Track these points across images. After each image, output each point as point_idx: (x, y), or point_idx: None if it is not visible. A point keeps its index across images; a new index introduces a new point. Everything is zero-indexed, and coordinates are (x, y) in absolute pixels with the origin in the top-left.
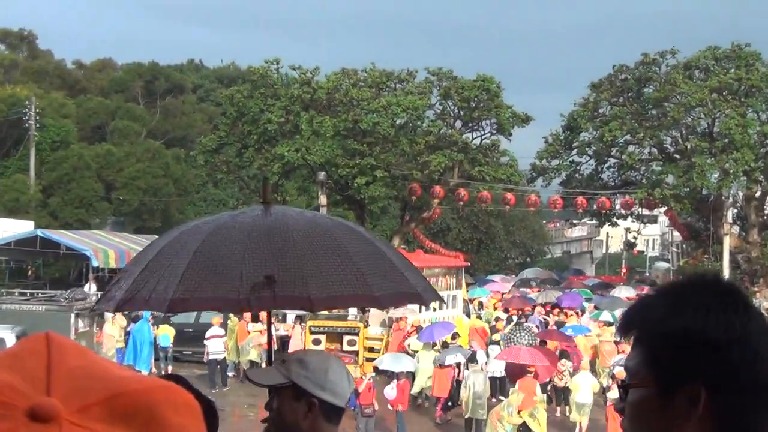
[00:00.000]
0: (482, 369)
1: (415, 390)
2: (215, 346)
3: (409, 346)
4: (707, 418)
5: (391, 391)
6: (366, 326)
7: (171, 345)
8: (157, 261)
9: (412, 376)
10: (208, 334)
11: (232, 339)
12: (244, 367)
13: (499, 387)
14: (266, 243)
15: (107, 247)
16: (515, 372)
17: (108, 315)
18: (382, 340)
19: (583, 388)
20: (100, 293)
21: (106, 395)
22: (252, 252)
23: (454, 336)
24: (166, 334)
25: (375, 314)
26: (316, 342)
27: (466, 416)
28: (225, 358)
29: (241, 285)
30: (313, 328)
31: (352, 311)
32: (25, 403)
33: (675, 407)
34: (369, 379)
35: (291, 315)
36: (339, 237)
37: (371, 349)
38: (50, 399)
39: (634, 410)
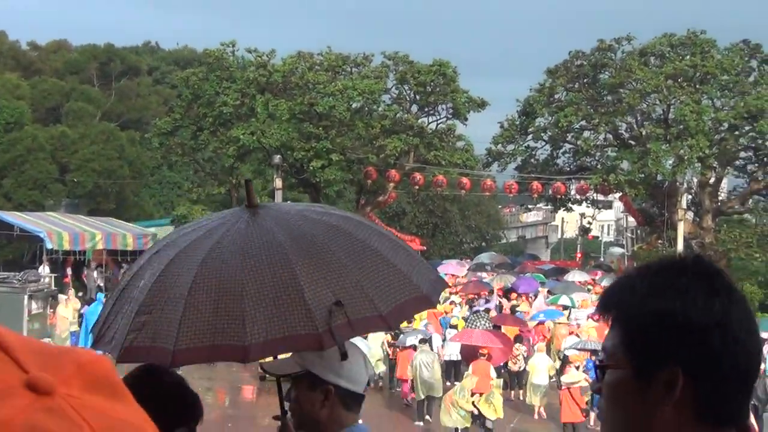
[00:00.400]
0: (432, 350)
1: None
2: None
3: None
4: (685, 403)
5: None
6: None
7: None
8: (126, 291)
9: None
10: None
11: None
12: None
13: (454, 371)
14: (302, 257)
15: (61, 229)
16: (469, 354)
17: (61, 297)
18: None
19: (540, 369)
20: (53, 275)
21: (74, 367)
22: (287, 273)
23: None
24: None
25: None
26: None
27: (418, 399)
28: None
29: (312, 316)
30: None
31: None
32: (18, 380)
33: (652, 390)
34: None
35: None
36: (362, 237)
37: None
38: (41, 373)
39: (611, 391)
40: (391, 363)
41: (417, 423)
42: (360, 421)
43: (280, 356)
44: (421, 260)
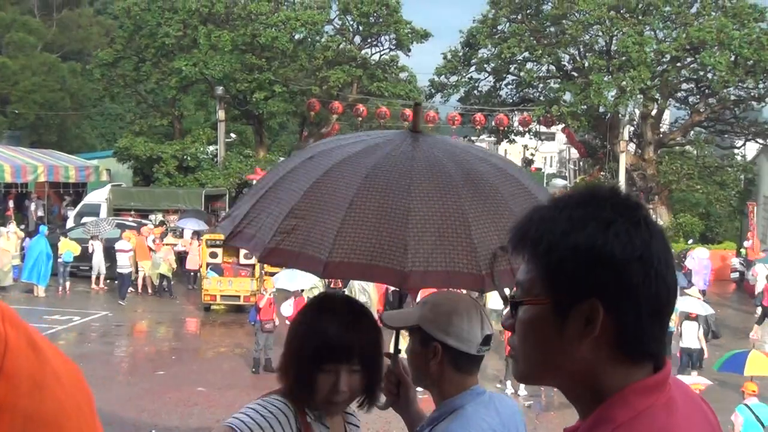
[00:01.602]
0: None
1: None
2: (122, 260)
3: None
4: (603, 338)
5: (287, 308)
6: None
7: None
8: (274, 192)
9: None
10: (116, 246)
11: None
12: (154, 281)
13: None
14: (471, 192)
15: (2, 161)
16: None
17: (2, 229)
18: None
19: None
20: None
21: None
22: (461, 209)
23: None
24: (69, 251)
25: None
26: (213, 255)
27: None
28: (131, 272)
29: (476, 255)
30: (209, 242)
31: None
32: None
33: (570, 325)
34: (270, 295)
35: (188, 231)
36: (527, 184)
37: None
38: None
39: (526, 328)
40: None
41: None
42: (476, 385)
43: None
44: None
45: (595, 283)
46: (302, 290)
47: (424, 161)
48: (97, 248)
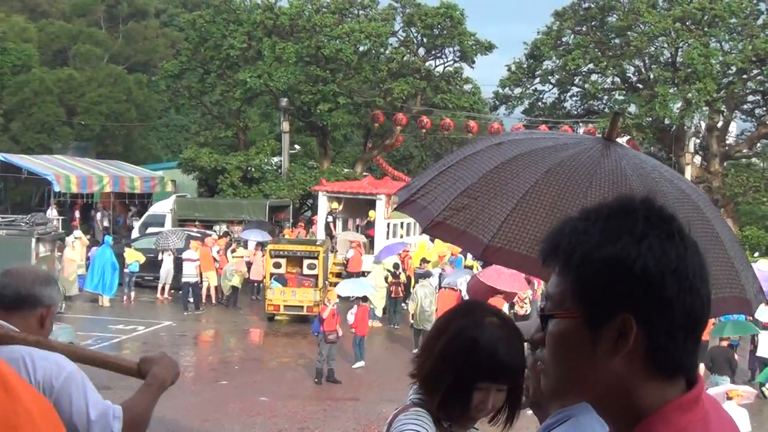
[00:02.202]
0: (430, 284)
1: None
2: (188, 269)
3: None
4: (635, 353)
5: (351, 316)
6: (334, 251)
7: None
8: (454, 169)
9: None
10: (183, 256)
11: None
12: (225, 292)
13: None
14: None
15: (69, 172)
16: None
17: (69, 239)
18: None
19: None
20: (61, 218)
21: None
22: None
23: (422, 261)
24: (135, 261)
25: (342, 240)
26: (277, 265)
27: (415, 327)
28: (198, 281)
29: None
30: (273, 252)
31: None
32: None
33: (602, 340)
34: (333, 305)
35: (252, 242)
36: (710, 216)
37: (339, 275)
38: None
39: (557, 341)
40: (396, 301)
41: (414, 351)
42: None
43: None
44: (752, 267)
45: (628, 297)
46: (365, 298)
47: (609, 170)
48: (166, 259)
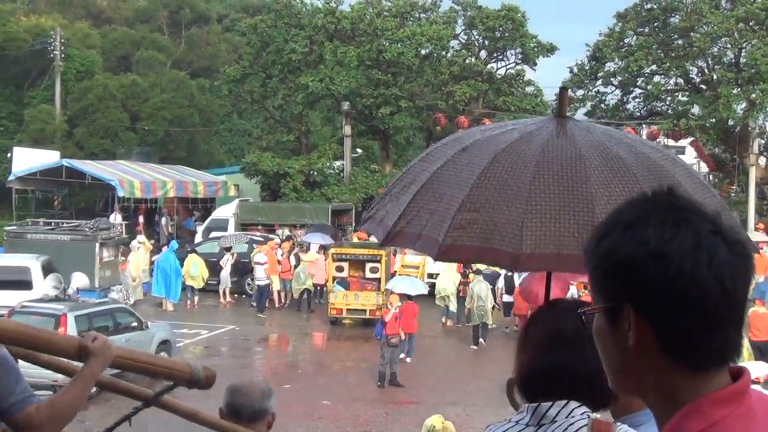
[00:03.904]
0: (484, 281)
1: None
2: (260, 273)
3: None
4: (646, 343)
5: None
6: (401, 254)
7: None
8: (432, 186)
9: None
10: (254, 259)
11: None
12: (295, 296)
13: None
14: (603, 178)
15: (132, 177)
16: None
17: (134, 243)
18: (418, 267)
19: None
20: (125, 223)
21: None
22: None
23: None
24: (195, 262)
25: None
26: (339, 269)
27: (473, 324)
28: (269, 284)
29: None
30: (335, 256)
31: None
32: None
33: (619, 331)
34: (395, 309)
35: (314, 245)
36: (672, 172)
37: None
38: None
39: (596, 336)
40: (461, 300)
41: (471, 347)
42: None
43: None
44: None
45: (620, 287)
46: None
47: (590, 146)
48: (227, 263)
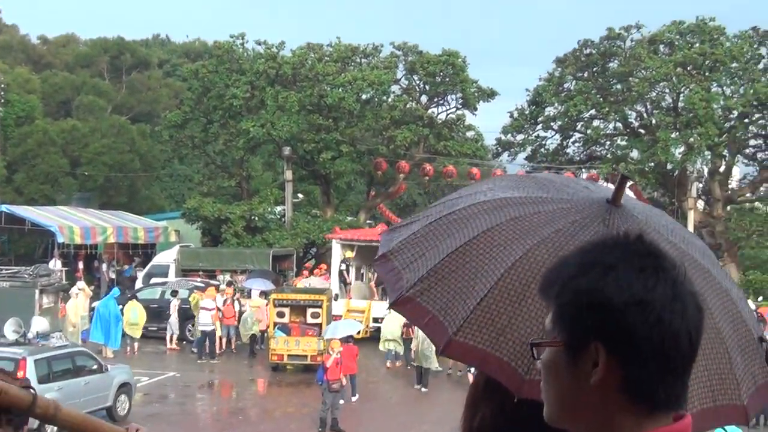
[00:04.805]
0: None
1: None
2: (205, 318)
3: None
4: (609, 383)
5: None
6: (347, 297)
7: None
8: (464, 256)
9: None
10: (201, 305)
11: (197, 313)
12: (244, 341)
13: None
14: None
15: (73, 223)
16: None
17: (73, 290)
18: (364, 312)
19: None
20: (65, 269)
21: None
22: None
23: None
24: (135, 309)
25: (356, 286)
26: (280, 315)
27: (416, 364)
28: (214, 330)
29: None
30: (277, 302)
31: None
32: None
33: (580, 368)
34: (337, 354)
35: (256, 291)
36: (732, 291)
37: None
38: None
39: (546, 369)
40: (406, 342)
41: (415, 387)
42: None
43: None
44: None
45: (595, 326)
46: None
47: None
48: (174, 309)
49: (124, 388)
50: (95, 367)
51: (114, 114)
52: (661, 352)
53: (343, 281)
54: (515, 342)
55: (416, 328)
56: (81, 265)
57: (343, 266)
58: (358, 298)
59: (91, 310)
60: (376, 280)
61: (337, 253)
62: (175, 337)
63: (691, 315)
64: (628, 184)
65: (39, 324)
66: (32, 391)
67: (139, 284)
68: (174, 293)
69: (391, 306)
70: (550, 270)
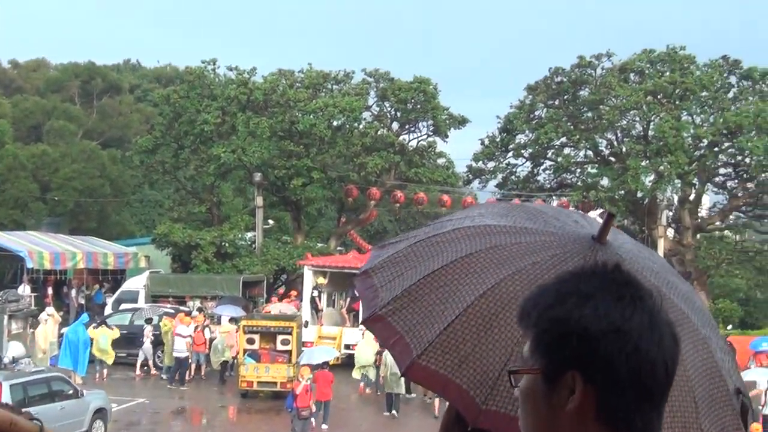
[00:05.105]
0: None
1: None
2: (179, 345)
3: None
4: (586, 411)
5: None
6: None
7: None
8: (439, 279)
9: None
10: (176, 331)
11: (167, 340)
12: (215, 368)
13: None
14: None
15: (42, 248)
16: None
17: (42, 316)
18: (335, 338)
19: None
20: (34, 295)
21: None
22: None
23: None
24: (104, 335)
25: (328, 313)
26: (250, 341)
27: (387, 391)
28: (188, 356)
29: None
30: (246, 328)
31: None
32: None
33: (556, 396)
34: (306, 381)
35: (225, 317)
36: (708, 336)
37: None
38: None
39: (523, 396)
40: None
41: (385, 413)
42: None
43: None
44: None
45: (572, 354)
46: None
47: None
48: (147, 335)
49: (100, 413)
50: (71, 392)
51: (85, 139)
52: (638, 381)
53: (315, 308)
54: (476, 370)
55: (385, 354)
56: (50, 290)
57: (315, 293)
58: (330, 324)
59: (60, 335)
60: (348, 306)
61: (309, 279)
62: (150, 363)
63: (668, 345)
64: (599, 211)
65: (15, 349)
66: (38, 423)
67: (108, 310)
68: (149, 320)
69: (363, 323)
70: (528, 298)
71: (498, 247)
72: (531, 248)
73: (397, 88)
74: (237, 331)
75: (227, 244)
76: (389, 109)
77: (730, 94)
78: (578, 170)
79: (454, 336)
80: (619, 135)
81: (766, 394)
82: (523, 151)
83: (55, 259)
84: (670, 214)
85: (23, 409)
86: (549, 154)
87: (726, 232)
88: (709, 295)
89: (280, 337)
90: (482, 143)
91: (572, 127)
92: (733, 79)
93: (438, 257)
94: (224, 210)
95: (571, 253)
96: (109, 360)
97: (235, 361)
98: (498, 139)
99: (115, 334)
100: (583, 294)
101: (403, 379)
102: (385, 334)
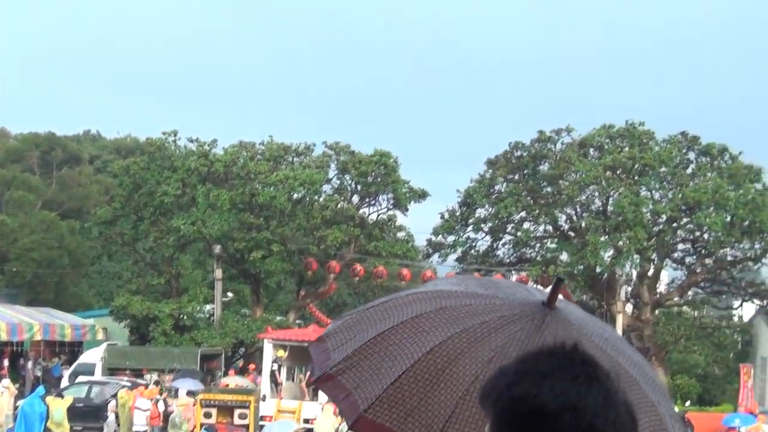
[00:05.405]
0: None
1: None
2: (139, 419)
3: None
4: None
5: None
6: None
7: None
8: (388, 339)
9: None
10: (136, 405)
11: (124, 413)
12: None
13: None
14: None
15: None
16: None
17: None
18: (294, 412)
19: None
20: None
21: None
22: None
23: None
24: (59, 408)
25: (287, 386)
26: (207, 415)
27: None
28: (146, 431)
29: None
30: (204, 402)
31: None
32: None
33: None
34: None
35: (183, 390)
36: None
37: None
38: None
39: None
40: None
41: None
42: None
43: None
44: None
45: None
46: None
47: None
48: (111, 409)
49: None
50: None
51: (44, 209)
52: None
53: (275, 381)
54: (422, 423)
55: (342, 426)
56: (6, 362)
57: (275, 366)
58: (289, 398)
59: (16, 408)
60: (307, 380)
61: (268, 352)
62: None
63: (624, 422)
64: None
65: None
66: None
67: (65, 382)
68: (114, 395)
69: (314, 382)
70: (489, 379)
71: (447, 308)
72: (480, 310)
73: (358, 161)
74: (194, 405)
75: (186, 317)
76: (350, 182)
77: (689, 170)
78: (538, 245)
79: (400, 390)
80: (578, 210)
81: None
82: (482, 225)
83: (11, 330)
84: (629, 289)
85: None
86: (509, 229)
87: (684, 307)
88: (668, 371)
89: (237, 411)
90: (442, 217)
91: (532, 201)
92: (691, 155)
93: (389, 319)
94: (183, 282)
95: (519, 315)
96: None
97: None
98: (458, 213)
99: (68, 401)
100: (541, 373)
101: None
102: (334, 392)
